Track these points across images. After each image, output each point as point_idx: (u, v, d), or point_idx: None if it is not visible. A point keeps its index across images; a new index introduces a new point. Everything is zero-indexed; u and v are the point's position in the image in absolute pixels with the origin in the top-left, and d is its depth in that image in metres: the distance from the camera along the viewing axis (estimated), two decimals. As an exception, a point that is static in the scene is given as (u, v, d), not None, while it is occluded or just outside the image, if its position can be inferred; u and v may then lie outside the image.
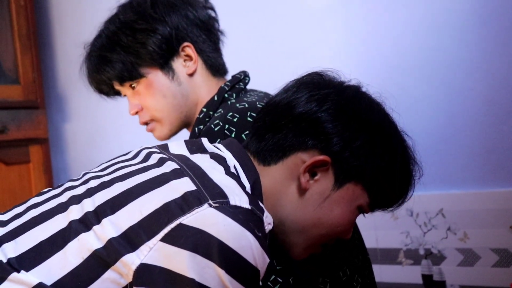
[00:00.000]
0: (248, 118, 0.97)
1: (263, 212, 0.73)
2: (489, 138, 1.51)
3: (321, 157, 0.82)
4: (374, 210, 0.91)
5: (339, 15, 1.75)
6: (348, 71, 1.77)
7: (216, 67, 1.16)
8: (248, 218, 0.70)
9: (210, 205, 0.68)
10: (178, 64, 1.14)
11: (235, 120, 0.97)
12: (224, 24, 1.81)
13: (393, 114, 0.91)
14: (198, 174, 0.73)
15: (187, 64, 1.14)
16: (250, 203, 0.71)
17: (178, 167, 0.75)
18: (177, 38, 1.12)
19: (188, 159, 0.79)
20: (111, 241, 0.68)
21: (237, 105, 1.02)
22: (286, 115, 0.86)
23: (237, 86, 1.12)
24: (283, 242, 0.87)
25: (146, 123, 1.19)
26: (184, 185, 0.71)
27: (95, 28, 2.22)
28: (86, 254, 0.69)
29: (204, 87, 1.14)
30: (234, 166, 0.82)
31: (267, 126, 0.88)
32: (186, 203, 0.68)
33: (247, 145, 0.89)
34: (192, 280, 0.65)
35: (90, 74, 1.19)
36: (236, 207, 0.69)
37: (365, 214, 0.92)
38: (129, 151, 0.93)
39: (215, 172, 0.75)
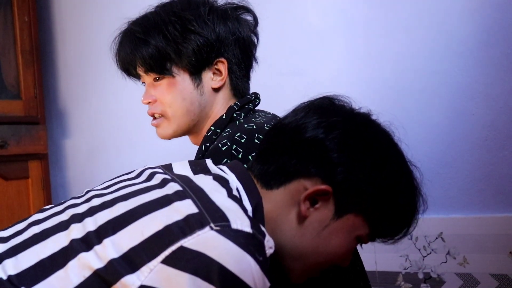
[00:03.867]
0: (256, 140, 0.97)
1: (264, 236, 0.72)
2: (490, 163, 1.51)
3: (323, 187, 0.81)
4: (374, 240, 0.90)
5: (341, 36, 1.76)
6: (348, 92, 1.77)
7: (239, 89, 1.15)
8: (249, 242, 0.69)
9: (212, 228, 0.67)
10: (207, 75, 1.12)
11: (242, 141, 0.96)
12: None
13: (401, 144, 0.90)
14: (200, 196, 0.73)
15: (215, 78, 1.12)
16: (252, 227, 0.70)
17: (181, 189, 0.75)
18: (217, 50, 1.10)
19: (191, 180, 0.79)
20: (111, 262, 0.68)
21: (245, 125, 1.02)
22: (292, 140, 0.85)
23: (246, 106, 1.12)
24: (281, 265, 0.87)
25: (154, 116, 1.18)
26: (186, 208, 0.71)
27: (97, 45, 2.23)
28: (87, 273, 0.68)
29: (221, 105, 1.13)
30: (237, 189, 0.81)
31: (272, 149, 0.87)
32: (188, 225, 0.68)
33: (251, 167, 0.88)
34: None
35: (121, 49, 1.15)
36: (237, 230, 0.69)
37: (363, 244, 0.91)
38: (132, 170, 0.93)
39: (218, 195, 0.75)
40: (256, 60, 1.20)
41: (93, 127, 2.44)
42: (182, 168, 0.87)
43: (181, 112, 1.12)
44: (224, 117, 1.09)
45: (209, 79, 1.12)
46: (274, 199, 0.84)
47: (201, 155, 1.06)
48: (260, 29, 1.21)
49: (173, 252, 0.66)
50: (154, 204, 0.73)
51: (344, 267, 0.91)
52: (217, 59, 1.11)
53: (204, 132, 1.12)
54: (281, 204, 0.84)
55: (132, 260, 0.67)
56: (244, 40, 1.13)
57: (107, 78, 2.34)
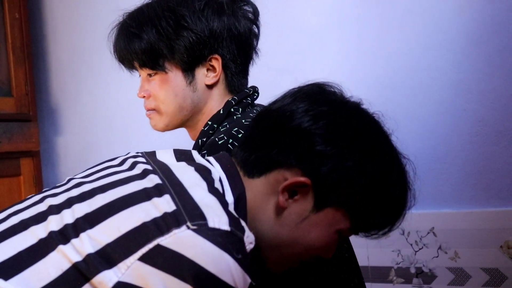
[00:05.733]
0: None
1: (244, 232, 0.71)
2: (481, 158, 1.52)
3: (302, 179, 0.79)
4: (357, 234, 0.88)
5: (335, 34, 1.76)
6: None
7: (234, 86, 1.13)
8: (227, 240, 0.68)
9: (188, 227, 0.66)
10: (200, 71, 1.11)
11: (239, 136, 0.95)
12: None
13: (392, 136, 0.88)
14: (179, 192, 0.72)
15: (209, 74, 1.11)
16: (230, 224, 0.69)
17: (161, 182, 0.74)
18: (210, 47, 1.09)
19: (172, 172, 0.77)
20: (89, 256, 0.67)
21: (243, 120, 1.01)
22: (277, 127, 0.83)
23: (244, 101, 1.11)
24: (260, 254, 0.85)
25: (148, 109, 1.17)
26: (164, 204, 0.69)
27: (89, 42, 2.22)
28: (66, 266, 0.67)
29: (216, 101, 1.12)
30: (220, 179, 0.80)
31: (256, 136, 0.86)
32: (165, 223, 0.67)
33: (236, 154, 0.87)
34: None
35: (116, 43, 1.14)
36: (214, 229, 0.67)
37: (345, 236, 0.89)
38: (116, 157, 0.92)
39: (197, 190, 0.73)
40: (257, 53, 1.18)
41: (85, 124, 2.43)
42: (166, 155, 0.86)
43: (174, 108, 1.12)
44: (221, 111, 1.08)
45: (203, 75, 1.11)
46: (255, 188, 0.83)
47: (197, 149, 1.05)
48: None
49: (150, 250, 0.66)
50: (133, 198, 0.72)
51: (341, 266, 0.91)
52: (211, 56, 1.09)
53: (200, 127, 1.12)
54: (261, 193, 0.83)
55: (109, 256, 0.66)
56: (240, 35, 1.11)
57: (99, 75, 2.33)
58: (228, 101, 1.10)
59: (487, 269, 1.50)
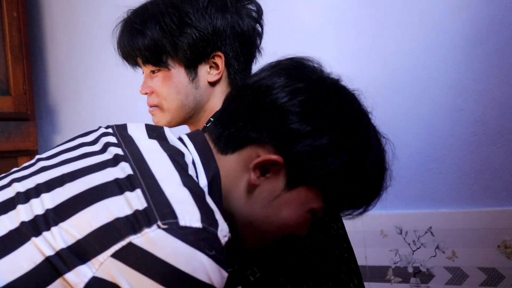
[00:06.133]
0: None
1: (217, 226, 0.69)
2: (479, 158, 1.52)
3: (274, 157, 0.77)
4: (331, 214, 0.87)
5: (332, 33, 1.76)
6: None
7: (237, 83, 1.12)
8: (199, 238, 0.66)
9: (159, 227, 0.64)
10: (203, 69, 1.11)
11: None
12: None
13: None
14: (151, 186, 0.70)
15: (212, 72, 1.11)
16: (202, 221, 0.67)
17: (132, 173, 0.71)
18: (213, 44, 1.09)
19: (144, 161, 0.74)
20: (62, 251, 0.65)
21: None
22: (252, 102, 0.81)
23: None
24: (235, 231, 0.83)
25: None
26: (135, 201, 0.68)
27: (87, 41, 2.22)
28: (38, 260, 0.66)
29: (219, 98, 1.10)
30: (193, 162, 0.79)
31: (230, 111, 0.83)
32: (137, 221, 0.65)
33: (210, 130, 0.85)
34: None
35: (120, 39, 1.15)
36: (185, 227, 0.65)
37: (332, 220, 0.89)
38: (90, 131, 0.89)
39: (170, 183, 0.71)
40: (260, 52, 1.18)
41: (83, 123, 2.43)
42: (137, 130, 0.84)
43: (176, 105, 1.11)
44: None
45: (206, 72, 1.11)
46: (228, 165, 0.81)
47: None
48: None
49: (123, 248, 0.64)
50: (104, 190, 0.70)
51: (340, 266, 0.90)
52: (214, 53, 1.09)
53: (202, 124, 1.12)
54: (233, 170, 0.81)
55: (82, 251, 0.65)
56: (243, 33, 1.11)
57: (97, 74, 2.33)
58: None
59: (485, 268, 1.51)
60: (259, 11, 1.15)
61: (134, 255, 0.64)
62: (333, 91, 0.84)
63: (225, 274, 0.68)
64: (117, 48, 1.16)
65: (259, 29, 1.16)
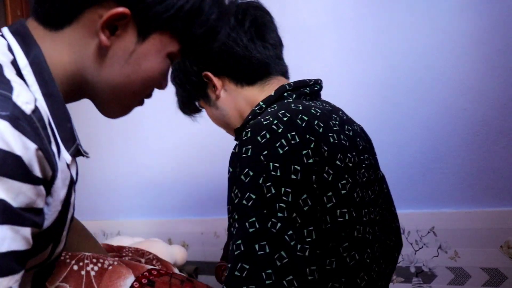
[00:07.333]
0: (298, 120, 0.92)
1: (11, 90, 0.64)
2: (481, 158, 1.52)
3: (120, 10, 0.75)
4: (189, 55, 0.87)
5: (333, 33, 1.76)
6: (340, 88, 1.78)
7: (246, 78, 1.14)
8: None
9: None
10: (210, 91, 1.18)
11: (285, 119, 0.92)
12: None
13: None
14: None
15: (214, 90, 1.17)
16: None
17: None
18: (199, 70, 1.16)
19: None
20: None
21: (292, 105, 0.98)
22: None
23: (302, 89, 1.08)
24: (100, 107, 0.83)
25: None
26: None
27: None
28: None
29: (240, 101, 1.14)
30: (9, 46, 0.74)
31: None
32: None
33: (35, 11, 0.80)
34: None
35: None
36: None
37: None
38: None
39: None
40: (260, 26, 1.15)
41: (86, 121, 2.43)
42: None
43: (223, 127, 1.24)
44: (273, 93, 1.07)
45: (213, 93, 1.17)
46: (68, 38, 0.77)
47: (242, 127, 1.07)
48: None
49: None
50: None
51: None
52: (203, 74, 1.15)
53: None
54: (77, 41, 0.77)
55: None
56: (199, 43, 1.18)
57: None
58: (282, 85, 1.09)
59: (487, 268, 1.50)
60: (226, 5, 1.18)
61: None
62: None
63: (32, 146, 0.63)
64: None
65: (240, 15, 1.14)
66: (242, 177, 0.85)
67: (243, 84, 1.14)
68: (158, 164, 2.22)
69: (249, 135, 0.89)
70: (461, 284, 1.54)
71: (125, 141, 2.33)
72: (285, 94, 1.07)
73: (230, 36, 1.11)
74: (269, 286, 0.77)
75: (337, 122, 1.00)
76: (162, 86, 0.87)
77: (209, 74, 1.14)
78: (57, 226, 0.71)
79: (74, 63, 0.78)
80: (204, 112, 1.29)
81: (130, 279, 0.97)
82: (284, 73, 1.19)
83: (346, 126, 1.03)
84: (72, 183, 0.73)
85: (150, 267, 1.05)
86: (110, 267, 0.99)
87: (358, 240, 0.91)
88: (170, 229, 2.16)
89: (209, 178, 2.07)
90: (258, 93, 1.13)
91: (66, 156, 0.74)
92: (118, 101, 0.83)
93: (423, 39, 1.61)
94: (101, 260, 1.00)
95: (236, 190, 0.85)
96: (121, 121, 2.34)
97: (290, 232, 0.81)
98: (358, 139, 1.05)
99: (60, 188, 0.69)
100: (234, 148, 0.90)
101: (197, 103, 1.24)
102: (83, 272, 0.95)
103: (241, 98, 1.14)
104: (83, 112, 2.46)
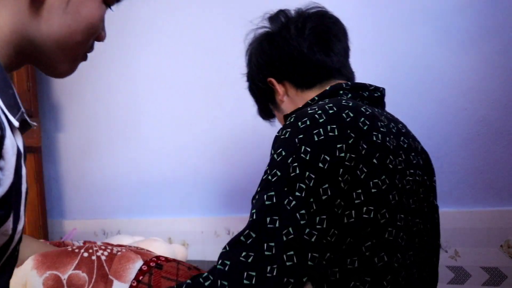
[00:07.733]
0: (343, 115, 0.93)
1: None
2: (481, 158, 1.52)
3: None
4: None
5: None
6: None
7: (305, 83, 1.17)
8: None
9: None
10: (276, 96, 1.23)
11: (330, 111, 0.92)
12: (215, 40, 1.81)
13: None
14: None
15: (278, 97, 1.22)
16: None
17: None
18: (264, 77, 1.22)
19: None
20: None
21: (343, 101, 0.98)
22: None
23: (360, 92, 1.09)
24: (46, 66, 0.81)
25: None
26: None
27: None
28: None
29: (300, 105, 1.17)
30: None
31: None
32: None
33: None
34: None
35: None
36: None
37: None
38: None
39: None
40: (323, 32, 1.17)
41: (87, 121, 2.43)
42: None
43: None
44: (327, 88, 1.08)
45: (279, 100, 1.22)
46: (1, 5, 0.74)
47: (291, 112, 1.08)
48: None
49: None
50: None
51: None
52: (267, 80, 1.21)
53: None
54: (9, 5, 0.74)
55: None
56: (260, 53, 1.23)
57: (101, 72, 2.34)
58: (339, 83, 1.09)
59: (487, 268, 1.50)
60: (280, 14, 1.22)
61: None
62: None
63: None
64: None
65: (300, 24, 1.17)
66: (275, 155, 0.89)
67: (303, 89, 1.17)
68: (158, 164, 2.22)
69: (291, 120, 0.93)
70: (461, 284, 1.54)
71: (125, 141, 2.33)
72: (341, 91, 1.07)
73: (290, 44, 1.14)
74: (267, 258, 0.80)
75: (393, 128, 1.03)
76: (102, 36, 0.86)
77: (273, 80, 1.20)
78: (14, 195, 0.68)
79: (11, 24, 0.75)
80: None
81: (139, 263, 1.02)
82: (349, 78, 1.20)
83: (402, 138, 1.04)
84: (20, 155, 0.72)
85: (158, 254, 1.09)
86: (119, 253, 1.04)
87: (388, 243, 0.91)
88: (170, 228, 2.16)
89: (209, 177, 2.07)
90: (315, 94, 1.14)
91: (13, 121, 0.71)
92: (64, 56, 0.80)
93: (423, 39, 1.61)
94: (109, 247, 1.06)
95: (267, 167, 0.89)
96: (121, 121, 2.35)
97: (303, 211, 0.83)
98: (413, 154, 1.05)
99: (10, 153, 0.66)
100: (278, 132, 0.94)
101: (271, 107, 1.29)
102: (93, 257, 1.01)
103: (301, 102, 1.17)
104: (84, 116, 2.46)
